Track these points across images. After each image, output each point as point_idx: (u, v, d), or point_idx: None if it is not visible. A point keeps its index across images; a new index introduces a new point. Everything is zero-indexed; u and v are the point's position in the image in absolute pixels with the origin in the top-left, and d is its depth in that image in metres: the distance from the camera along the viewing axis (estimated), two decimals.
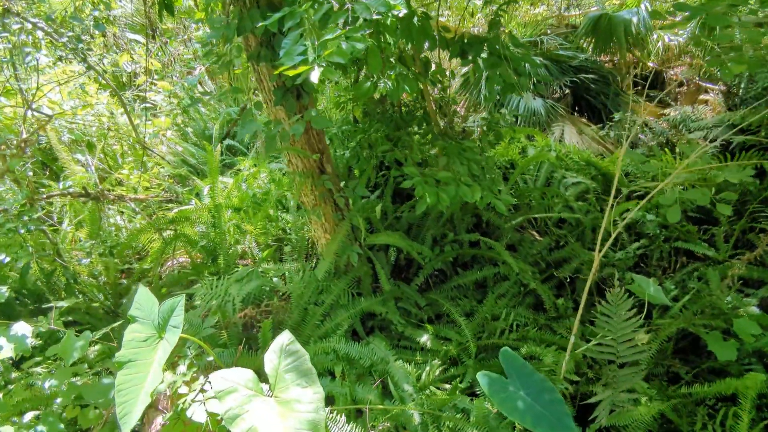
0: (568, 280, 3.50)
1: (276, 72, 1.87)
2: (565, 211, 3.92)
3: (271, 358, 1.81)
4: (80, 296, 3.54)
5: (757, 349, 2.76)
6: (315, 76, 1.70)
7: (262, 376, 1.75)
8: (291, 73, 1.73)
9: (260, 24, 2.21)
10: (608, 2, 6.88)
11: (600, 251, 2.30)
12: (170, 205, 4.29)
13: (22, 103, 3.20)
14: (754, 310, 2.94)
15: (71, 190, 3.76)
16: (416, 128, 3.37)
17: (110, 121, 4.66)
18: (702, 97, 5.99)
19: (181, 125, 5.11)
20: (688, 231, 3.72)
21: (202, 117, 5.21)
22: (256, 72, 2.62)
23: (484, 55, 2.77)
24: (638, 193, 4.43)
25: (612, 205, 2.38)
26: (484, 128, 3.20)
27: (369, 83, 2.32)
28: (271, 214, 3.70)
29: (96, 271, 3.69)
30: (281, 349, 1.85)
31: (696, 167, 2.39)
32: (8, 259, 2.67)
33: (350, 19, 1.94)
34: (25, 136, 2.82)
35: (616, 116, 5.52)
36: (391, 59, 2.55)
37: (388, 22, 2.27)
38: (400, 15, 2.28)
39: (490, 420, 2.27)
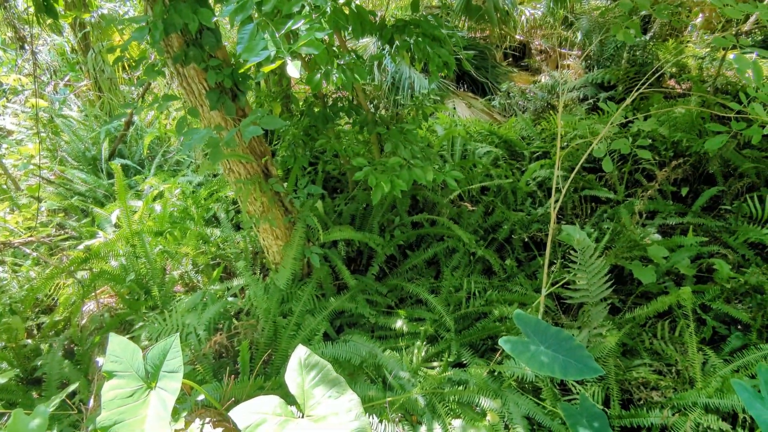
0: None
1: (241, 70, 1.69)
2: (485, 180, 4.20)
3: (293, 377, 1.70)
4: None
5: (668, 269, 3.27)
6: (294, 71, 1.59)
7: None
8: (265, 69, 1.59)
9: (191, 20, 1.99)
10: None
11: (555, 209, 2.51)
12: (68, 243, 3.69)
13: None
14: (657, 236, 3.46)
15: None
16: (346, 118, 3.31)
17: None
18: (564, 62, 6.79)
19: (54, 150, 4.36)
20: (589, 180, 4.23)
21: (79, 137, 4.51)
22: (181, 76, 2.35)
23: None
24: (537, 153, 4.92)
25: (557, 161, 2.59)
26: (415, 109, 3.26)
27: (319, 75, 2.22)
28: (204, 232, 3.38)
29: None
30: (300, 364, 1.74)
31: (615, 121, 2.72)
32: None
33: (306, 8, 1.84)
34: None
35: (504, 86, 5.99)
36: (334, 48, 2.47)
37: (328, 9, 2.19)
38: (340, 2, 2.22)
39: (489, 383, 2.39)
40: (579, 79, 6.01)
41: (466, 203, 3.93)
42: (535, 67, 7.12)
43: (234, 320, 2.85)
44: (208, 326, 2.62)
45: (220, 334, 2.51)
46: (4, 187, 4.13)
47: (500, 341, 1.80)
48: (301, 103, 3.32)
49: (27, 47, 4.65)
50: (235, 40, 2.11)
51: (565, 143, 4.55)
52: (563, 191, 2.53)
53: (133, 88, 5.33)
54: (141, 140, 4.63)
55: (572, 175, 2.54)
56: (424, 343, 2.76)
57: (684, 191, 3.98)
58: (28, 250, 3.24)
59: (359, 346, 2.61)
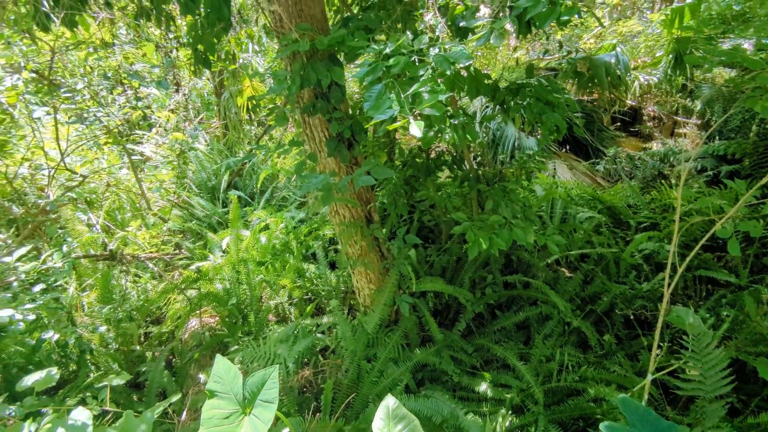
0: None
1: (366, 125, 1.84)
2: (586, 246, 4.00)
3: (379, 426, 1.69)
4: (92, 367, 3.25)
5: None
6: (416, 130, 1.68)
7: None
8: (391, 127, 1.70)
9: (325, 77, 2.19)
10: (582, 45, 7.34)
11: (669, 288, 2.32)
12: (182, 262, 4.07)
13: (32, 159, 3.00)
14: None
15: (77, 251, 3.50)
16: (447, 171, 3.38)
17: (109, 176, 4.44)
18: (679, 130, 6.40)
19: (182, 177, 4.94)
20: (705, 259, 3.86)
21: (204, 168, 5.06)
22: (306, 124, 2.58)
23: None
24: (645, 224, 4.60)
25: (678, 237, 2.41)
26: (518, 169, 3.25)
27: (432, 132, 2.33)
28: (301, 267, 3.56)
29: (109, 338, 3.41)
30: (389, 415, 1.73)
31: (745, 201, 2.49)
32: (57, 336, 2.41)
33: (431, 72, 1.96)
34: (52, 197, 2.62)
35: (611, 151, 5.77)
36: (449, 108, 2.57)
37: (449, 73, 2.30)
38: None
39: None
40: (697, 150, 5.61)
41: (563, 269, 3.76)
42: (645, 134, 6.78)
43: (320, 357, 2.92)
44: (297, 359, 2.72)
45: (307, 370, 2.58)
46: (137, 206, 4.70)
47: (601, 427, 1.65)
48: (405, 154, 3.45)
49: (179, 89, 5.40)
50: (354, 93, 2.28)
51: (681, 217, 4.23)
52: (680, 271, 2.33)
53: (253, 127, 5.91)
54: (255, 175, 5.07)
55: (691, 254, 2.35)
56: (509, 412, 2.61)
57: None
58: (150, 264, 3.62)
59: (441, 404, 2.53)
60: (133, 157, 4.75)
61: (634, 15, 7.41)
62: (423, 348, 2.92)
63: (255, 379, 1.80)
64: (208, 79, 5.37)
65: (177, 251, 4.16)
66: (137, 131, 5.43)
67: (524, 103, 2.74)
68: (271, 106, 5.33)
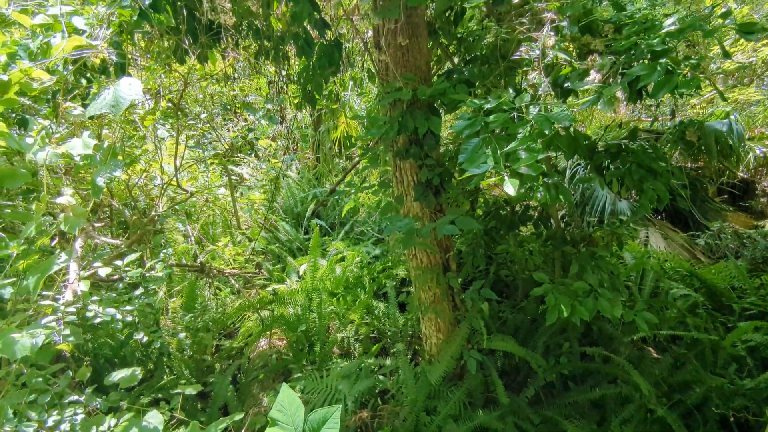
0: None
1: (460, 177, 1.87)
2: (678, 327, 3.64)
3: None
4: (167, 370, 3.45)
5: None
6: (510, 188, 1.66)
7: None
8: (485, 182, 1.70)
9: (422, 125, 2.25)
10: (691, 110, 6.92)
11: None
12: (260, 282, 4.26)
13: (148, 175, 3.32)
14: None
15: (172, 259, 3.79)
16: (533, 229, 3.28)
17: (209, 192, 4.82)
18: None
19: (272, 201, 5.25)
20: None
21: (293, 194, 5.35)
22: (396, 167, 2.65)
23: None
24: (751, 311, 4.11)
25: None
26: (609, 234, 3.07)
27: (523, 189, 2.28)
28: (371, 304, 3.59)
29: (185, 345, 3.62)
30: None
31: None
32: (146, 338, 2.62)
33: (529, 130, 1.94)
34: (161, 208, 2.90)
35: (715, 225, 5.30)
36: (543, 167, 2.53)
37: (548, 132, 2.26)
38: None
39: None
40: None
41: (650, 348, 3.44)
42: (758, 210, 6.15)
43: (379, 400, 2.88)
44: (357, 399, 2.70)
45: (365, 411, 2.55)
46: (228, 222, 5.04)
47: None
48: (489, 204, 3.40)
49: (282, 120, 5.84)
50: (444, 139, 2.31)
51: None
52: None
53: (342, 161, 6.18)
54: (338, 207, 5.26)
55: None
56: None
57: None
58: (232, 280, 3.83)
59: None
60: (232, 177, 5.13)
61: (752, 83, 6.88)
62: (486, 410, 2.77)
63: (317, 416, 1.81)
64: (309, 113, 5.74)
65: (258, 270, 4.37)
66: (239, 154, 5.88)
67: (624, 168, 2.62)
68: (361, 143, 5.56)
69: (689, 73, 1.82)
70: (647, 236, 5.63)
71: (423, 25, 2.41)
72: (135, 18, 2.00)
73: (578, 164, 5.99)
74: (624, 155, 2.63)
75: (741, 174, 6.37)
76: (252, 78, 4.63)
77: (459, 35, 2.81)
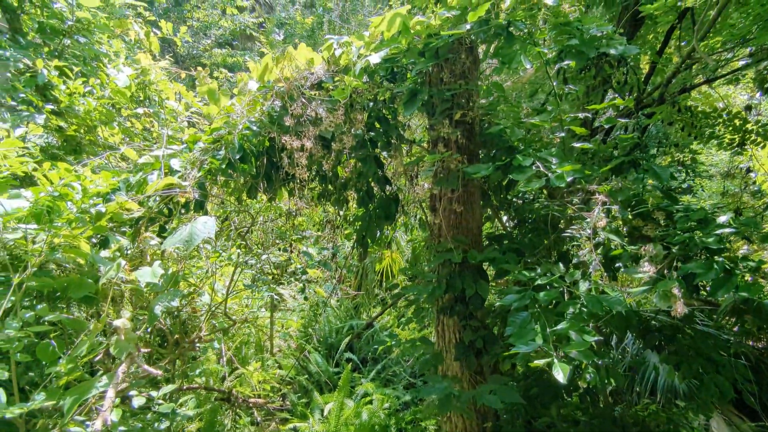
0: None
1: (506, 353, 1.84)
2: None
3: None
4: None
5: None
6: (561, 376, 1.60)
7: None
8: (533, 365, 1.65)
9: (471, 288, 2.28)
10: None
11: None
12: (282, 415, 4.07)
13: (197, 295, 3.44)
14: None
15: (201, 379, 3.74)
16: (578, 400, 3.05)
17: (249, 312, 4.88)
18: None
19: (309, 327, 5.23)
20: None
21: (330, 323, 5.34)
22: (440, 321, 2.63)
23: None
24: None
25: None
26: (666, 422, 2.80)
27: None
28: None
29: None
30: None
31: None
32: None
33: (579, 310, 1.92)
34: (204, 332, 2.96)
35: None
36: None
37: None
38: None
39: None
40: None
41: None
42: None
43: None
44: None
45: None
46: (262, 344, 5.00)
47: None
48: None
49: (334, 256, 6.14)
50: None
51: None
52: None
53: (382, 293, 6.20)
54: (372, 343, 5.15)
55: None
56: None
57: None
58: (255, 411, 3.68)
59: None
60: (274, 297, 5.22)
61: None
62: None
63: None
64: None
65: (282, 402, 4.21)
66: (286, 275, 6.06)
67: (680, 354, 2.48)
68: (402, 279, 5.61)
69: (750, 277, 1.80)
70: (708, 424, 5.06)
71: (477, 193, 2.57)
72: (223, 166, 2.28)
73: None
74: (680, 338, 2.51)
75: None
76: (311, 216, 4.95)
77: (510, 199, 2.96)
